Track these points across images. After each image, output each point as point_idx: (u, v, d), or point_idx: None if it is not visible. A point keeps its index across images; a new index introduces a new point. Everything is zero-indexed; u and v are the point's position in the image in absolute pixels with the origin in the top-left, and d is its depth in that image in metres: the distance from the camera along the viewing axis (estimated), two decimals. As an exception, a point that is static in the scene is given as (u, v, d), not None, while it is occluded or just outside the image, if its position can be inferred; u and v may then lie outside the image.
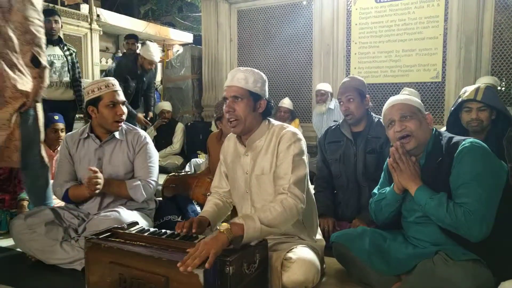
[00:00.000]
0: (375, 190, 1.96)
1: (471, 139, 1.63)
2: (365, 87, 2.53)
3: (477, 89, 2.20)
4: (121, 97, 2.25)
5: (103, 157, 2.26)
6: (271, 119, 1.86)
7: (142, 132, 2.37)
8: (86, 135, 2.28)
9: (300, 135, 1.76)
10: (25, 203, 2.70)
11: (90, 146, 2.28)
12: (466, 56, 4.29)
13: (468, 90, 2.25)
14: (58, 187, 2.27)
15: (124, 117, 2.25)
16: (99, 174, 2.07)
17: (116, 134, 2.27)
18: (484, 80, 3.73)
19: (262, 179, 1.77)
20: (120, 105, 2.23)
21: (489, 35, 4.24)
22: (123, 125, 2.32)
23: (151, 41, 4.45)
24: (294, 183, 1.64)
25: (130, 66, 4.37)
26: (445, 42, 4.43)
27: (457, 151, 1.60)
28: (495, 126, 2.23)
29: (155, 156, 2.34)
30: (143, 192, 2.21)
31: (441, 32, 4.44)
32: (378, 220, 1.92)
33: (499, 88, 4.05)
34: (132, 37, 5.30)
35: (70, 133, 2.41)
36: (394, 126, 1.72)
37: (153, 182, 2.27)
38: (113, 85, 2.22)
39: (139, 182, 2.22)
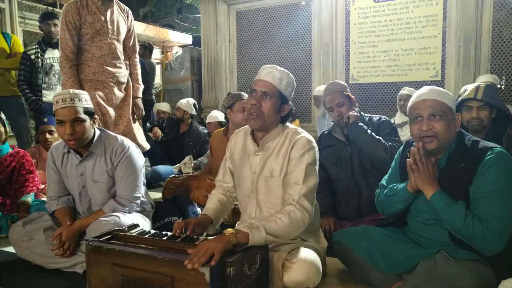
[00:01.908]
0: (383, 181, 1.93)
1: (498, 148, 1.55)
2: (348, 89, 2.57)
3: (477, 88, 2.20)
4: (72, 114, 2.01)
5: (85, 172, 2.17)
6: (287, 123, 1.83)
7: (121, 142, 2.19)
8: (66, 149, 2.18)
9: (314, 143, 1.74)
10: (26, 207, 2.71)
11: (72, 161, 2.19)
12: (465, 55, 4.29)
13: (468, 89, 2.24)
14: (48, 201, 2.25)
15: (75, 135, 2.02)
16: (63, 242, 2.01)
17: (94, 149, 2.14)
18: (484, 78, 3.72)
19: (270, 181, 1.74)
20: (68, 123, 2.00)
21: (488, 33, 4.23)
22: (102, 134, 2.20)
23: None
24: (304, 194, 1.63)
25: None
26: (444, 41, 4.42)
27: (483, 161, 1.53)
28: (494, 125, 2.23)
29: (136, 168, 2.19)
30: (124, 209, 2.14)
31: (440, 31, 4.43)
32: (384, 213, 1.91)
33: (498, 86, 4.05)
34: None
35: (55, 143, 2.29)
36: (420, 123, 1.64)
37: (126, 200, 2.15)
38: (63, 100, 2.01)
39: (113, 202, 2.14)
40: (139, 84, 3.25)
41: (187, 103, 4.59)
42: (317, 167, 1.72)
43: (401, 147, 1.93)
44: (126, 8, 3.19)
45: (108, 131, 2.29)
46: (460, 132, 1.69)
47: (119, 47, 3.08)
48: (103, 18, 2.95)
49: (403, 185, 1.75)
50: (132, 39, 3.23)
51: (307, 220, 1.63)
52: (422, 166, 1.62)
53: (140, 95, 3.26)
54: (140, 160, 2.24)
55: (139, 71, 3.28)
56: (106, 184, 2.17)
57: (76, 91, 2.12)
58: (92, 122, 2.13)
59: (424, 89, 1.69)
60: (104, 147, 2.16)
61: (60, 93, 2.08)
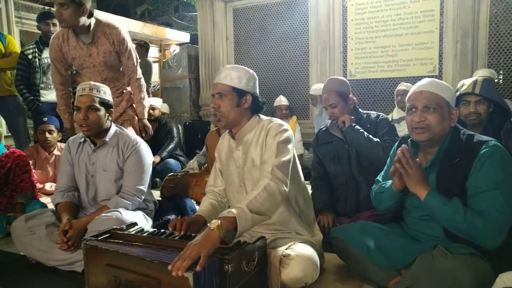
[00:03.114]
0: (379, 177, 1.94)
1: (492, 142, 1.54)
2: (347, 87, 2.51)
3: (475, 82, 2.19)
4: (88, 102, 2.14)
5: (96, 161, 2.27)
6: (261, 115, 1.88)
7: (134, 137, 2.31)
8: (83, 139, 2.31)
9: (287, 126, 1.79)
10: (22, 207, 2.70)
11: (86, 150, 2.30)
12: (462, 49, 4.29)
13: (466, 83, 2.23)
14: (56, 193, 2.32)
15: (88, 122, 2.14)
16: (68, 238, 2.03)
17: (108, 139, 2.25)
18: (481, 73, 3.72)
19: (254, 171, 1.78)
20: (83, 109, 2.14)
21: (485, 27, 4.23)
22: (118, 129, 2.33)
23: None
24: (276, 166, 1.64)
25: None
26: (441, 36, 4.42)
27: (478, 155, 1.52)
28: (492, 119, 2.22)
29: (144, 163, 2.28)
30: (127, 203, 2.19)
31: (437, 26, 4.43)
32: (377, 208, 1.92)
33: (496, 80, 4.05)
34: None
35: (73, 136, 2.43)
36: (414, 114, 1.64)
37: (130, 193, 2.21)
38: (83, 89, 2.17)
39: (117, 198, 2.19)
40: (143, 106, 2.99)
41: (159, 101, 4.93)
42: (290, 146, 1.74)
43: (396, 144, 1.93)
44: (112, 31, 2.78)
45: (124, 129, 2.40)
46: (455, 126, 1.67)
47: (109, 75, 2.89)
48: (83, 53, 2.79)
49: (389, 184, 1.75)
50: (126, 59, 2.88)
51: (283, 191, 1.62)
52: (410, 169, 1.59)
53: (144, 116, 3.02)
54: (148, 157, 2.33)
55: (141, 92, 2.98)
56: (115, 174, 2.25)
57: (97, 83, 2.25)
58: (107, 114, 2.25)
59: (424, 81, 1.69)
60: (117, 140, 2.28)
61: (83, 83, 2.24)
